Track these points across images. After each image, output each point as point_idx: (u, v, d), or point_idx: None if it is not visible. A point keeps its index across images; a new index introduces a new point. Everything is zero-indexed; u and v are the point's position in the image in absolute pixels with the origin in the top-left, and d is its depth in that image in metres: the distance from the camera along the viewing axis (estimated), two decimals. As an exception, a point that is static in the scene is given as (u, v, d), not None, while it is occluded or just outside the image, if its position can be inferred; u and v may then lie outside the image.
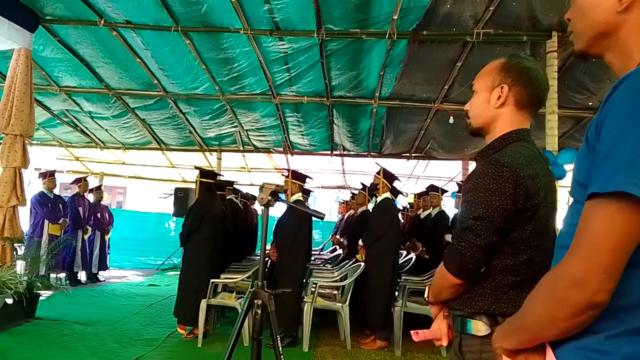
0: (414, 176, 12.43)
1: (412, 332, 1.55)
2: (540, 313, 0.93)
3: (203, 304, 4.91)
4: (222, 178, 6.68)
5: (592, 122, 0.92)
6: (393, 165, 9.59)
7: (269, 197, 2.01)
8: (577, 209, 0.96)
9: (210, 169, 9.28)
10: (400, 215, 9.34)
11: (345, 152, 9.93)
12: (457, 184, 7.60)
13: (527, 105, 1.49)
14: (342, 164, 11.55)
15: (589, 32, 1.02)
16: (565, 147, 6.27)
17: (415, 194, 8.93)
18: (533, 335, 0.96)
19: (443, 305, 1.56)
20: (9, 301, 5.14)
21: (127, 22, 5.69)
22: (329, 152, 9.85)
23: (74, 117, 8.86)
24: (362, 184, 7.30)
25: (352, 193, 9.10)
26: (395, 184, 5.88)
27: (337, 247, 8.84)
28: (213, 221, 5.28)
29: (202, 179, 5.44)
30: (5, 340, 4.55)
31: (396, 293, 5.42)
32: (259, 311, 1.98)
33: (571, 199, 1.04)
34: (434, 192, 7.17)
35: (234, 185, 7.29)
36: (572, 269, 0.86)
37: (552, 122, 5.05)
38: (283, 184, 5.33)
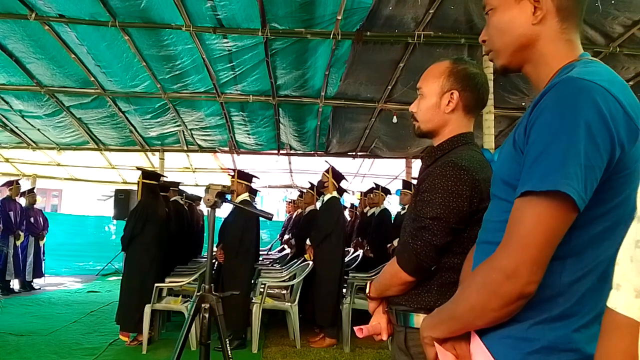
0: (360, 174, 12.63)
1: (356, 328, 1.58)
2: (473, 303, 0.98)
3: (147, 309, 4.76)
4: (165, 179, 6.49)
5: (519, 125, 0.99)
6: (340, 163, 9.69)
7: (215, 199, 1.98)
8: (500, 205, 1.03)
9: (153, 169, 8.99)
10: (348, 212, 9.51)
11: (292, 152, 9.91)
12: (404, 181, 7.80)
13: (473, 110, 1.57)
14: (289, 163, 11.54)
15: (509, 47, 1.09)
16: (501, 146, 6.57)
17: (361, 192, 9.09)
18: (464, 324, 1.03)
19: (382, 301, 1.60)
20: None
21: (60, 16, 5.39)
22: (276, 152, 9.80)
23: (2, 116, 8.30)
24: (310, 183, 7.33)
25: (300, 191, 9.13)
26: (342, 183, 5.96)
27: (285, 246, 8.84)
28: (157, 224, 5.13)
29: (144, 181, 5.27)
30: None
31: (344, 290, 5.50)
32: (207, 315, 1.94)
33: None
34: (376, 190, 7.33)
35: (179, 186, 7.12)
36: (505, 262, 0.92)
37: (489, 122, 5.27)
38: (230, 184, 5.26)
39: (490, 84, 5.26)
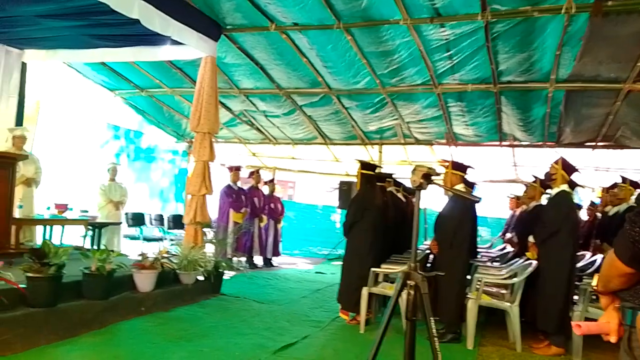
0: (601, 168, 10.93)
1: (573, 324, 1.42)
2: None
3: (364, 291, 5.03)
4: (381, 170, 6.75)
5: None
6: (574, 155, 8.59)
7: (421, 180, 1.97)
8: None
9: (372, 161, 9.44)
10: (587, 211, 8.36)
11: (516, 143, 9.20)
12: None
13: None
14: (513, 155, 10.70)
15: None
16: None
17: (603, 188, 7.87)
18: None
19: (614, 296, 1.38)
20: (200, 278, 5.93)
21: (295, 24, 6.09)
22: (497, 143, 9.24)
23: (251, 116, 9.82)
24: (534, 177, 6.69)
25: (525, 185, 8.40)
26: (575, 176, 5.26)
27: (507, 245, 8.26)
28: (373, 212, 5.37)
29: (362, 171, 5.56)
30: (197, 311, 5.28)
31: (576, 297, 4.87)
32: (412, 292, 1.96)
33: None
34: (622, 184, 6.23)
35: (397, 179, 7.30)
36: None
37: None
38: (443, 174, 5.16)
39: None
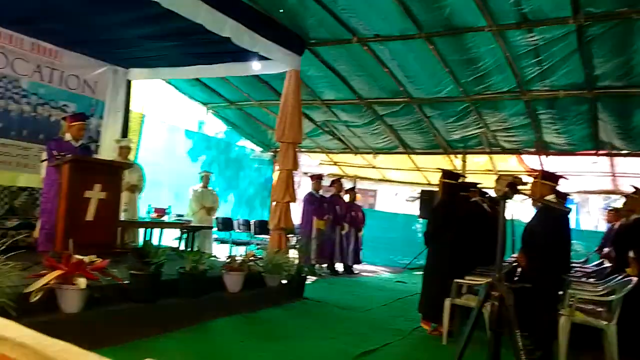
0: None
1: None
2: None
3: (447, 302, 4.95)
4: (464, 179, 6.60)
5: None
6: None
7: (506, 189, 1.95)
8: None
9: (455, 170, 9.23)
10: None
11: (614, 152, 8.58)
12: None
13: None
14: (611, 165, 9.96)
15: None
16: None
17: None
18: None
19: None
20: (284, 281, 6.15)
21: (376, 35, 6.19)
22: (593, 152, 8.66)
23: (333, 126, 10.03)
24: (635, 188, 6.21)
25: (625, 197, 7.79)
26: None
27: (605, 261, 7.71)
28: (456, 222, 5.28)
29: (444, 180, 5.50)
30: (281, 313, 5.49)
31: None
32: (497, 302, 1.94)
33: None
34: None
35: (482, 189, 7.09)
36: None
37: None
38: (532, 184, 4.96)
39: None
